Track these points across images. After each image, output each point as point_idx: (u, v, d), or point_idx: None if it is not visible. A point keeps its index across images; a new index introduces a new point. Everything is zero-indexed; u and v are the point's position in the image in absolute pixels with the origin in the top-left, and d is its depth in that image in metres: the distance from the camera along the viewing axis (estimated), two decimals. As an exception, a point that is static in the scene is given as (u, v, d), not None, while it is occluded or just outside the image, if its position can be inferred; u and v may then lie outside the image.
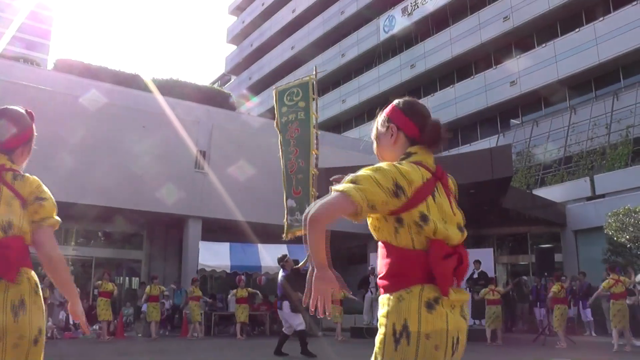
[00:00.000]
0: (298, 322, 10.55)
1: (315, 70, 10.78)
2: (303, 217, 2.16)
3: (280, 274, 11.15)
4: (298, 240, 11.57)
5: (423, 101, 30.55)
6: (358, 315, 18.74)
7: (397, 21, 39.04)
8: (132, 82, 24.23)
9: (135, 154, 18.73)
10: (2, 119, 2.66)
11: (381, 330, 2.02)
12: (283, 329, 10.85)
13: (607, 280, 12.41)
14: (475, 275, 16.38)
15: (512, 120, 32.32)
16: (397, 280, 2.03)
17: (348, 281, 19.34)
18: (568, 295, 14.66)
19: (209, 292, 20.15)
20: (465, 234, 2.18)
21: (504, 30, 31.88)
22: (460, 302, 2.09)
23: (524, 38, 31.63)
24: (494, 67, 32.78)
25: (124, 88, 22.34)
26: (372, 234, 2.18)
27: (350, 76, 43.16)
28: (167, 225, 22.26)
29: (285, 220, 10.26)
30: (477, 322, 16.17)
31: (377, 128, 2.38)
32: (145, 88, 23.51)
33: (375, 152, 2.40)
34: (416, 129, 2.25)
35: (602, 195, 20.64)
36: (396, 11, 39.23)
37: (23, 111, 2.75)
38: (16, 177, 2.54)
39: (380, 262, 2.13)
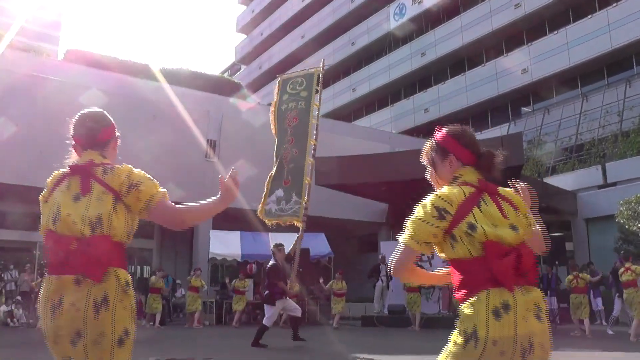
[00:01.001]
0: (267, 314, 10.41)
1: (323, 63, 10.67)
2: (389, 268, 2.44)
3: (270, 262, 10.95)
4: (309, 229, 11.58)
5: (434, 89, 30.77)
6: (369, 303, 18.77)
7: (408, 9, 38.82)
8: (142, 72, 24.24)
9: (145, 144, 18.77)
10: (85, 119, 2.72)
11: (453, 336, 2.20)
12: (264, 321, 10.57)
13: (622, 269, 12.38)
14: None
15: (523, 108, 32.15)
16: (466, 290, 2.23)
17: (359, 270, 19.42)
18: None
19: (220, 280, 20.24)
20: (523, 232, 2.32)
21: (515, 18, 31.64)
22: (534, 302, 2.19)
23: (536, 25, 31.38)
24: (505, 54, 32.58)
25: (134, 78, 22.35)
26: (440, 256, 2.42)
27: (361, 65, 43.02)
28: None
29: (262, 204, 10.20)
30: None
31: (431, 155, 2.55)
32: (155, 78, 23.52)
33: (430, 177, 2.59)
34: (473, 157, 2.47)
35: (614, 184, 20.52)
36: (406, -1, 39.03)
37: (99, 110, 2.81)
38: (106, 170, 2.53)
39: (453, 279, 2.35)
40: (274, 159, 10.42)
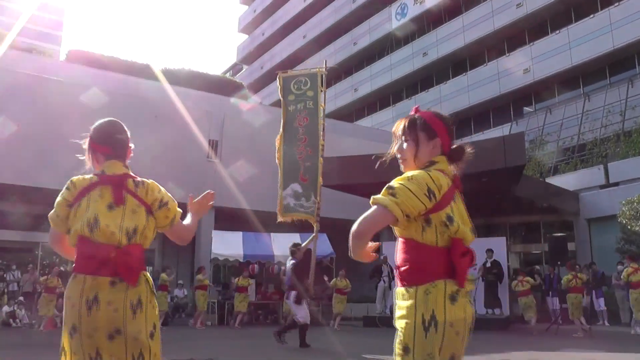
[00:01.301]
0: (300, 314, 10.39)
1: (325, 64, 10.68)
2: (351, 235, 2.30)
3: (289, 261, 10.95)
4: (309, 228, 11.56)
5: (435, 89, 30.72)
6: (371, 304, 18.75)
7: (409, 9, 38.80)
8: (143, 72, 24.27)
9: (147, 144, 18.75)
10: (113, 129, 2.82)
11: (409, 321, 2.22)
12: (296, 320, 10.61)
13: (626, 269, 12.36)
14: (488, 264, 16.34)
15: (525, 108, 32.11)
16: (422, 275, 2.25)
17: (360, 270, 19.44)
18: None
19: (222, 281, 20.24)
20: (475, 236, 2.40)
21: (517, 17, 31.62)
22: (470, 292, 2.36)
23: (538, 25, 31.36)
24: (507, 54, 32.55)
25: (135, 78, 22.38)
26: (395, 230, 2.38)
27: (362, 64, 43.01)
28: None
29: (279, 200, 10.19)
30: (489, 311, 16.15)
31: (417, 133, 2.46)
32: (156, 78, 23.54)
33: (402, 153, 2.52)
34: (449, 147, 2.46)
35: (616, 183, 20.47)
36: (408, -1, 39.00)
37: (115, 119, 2.89)
38: (137, 184, 2.73)
39: (402, 255, 2.33)
40: (278, 156, 10.37)
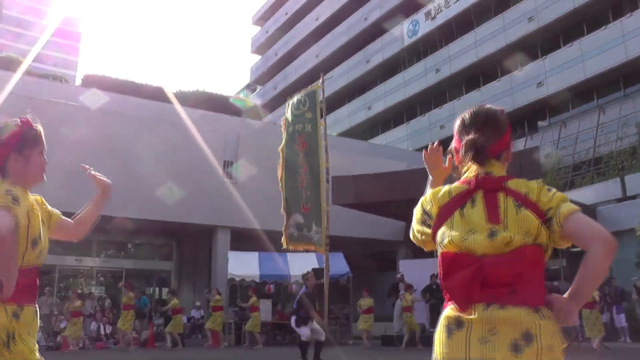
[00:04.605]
0: (303, 333, 10.66)
1: (322, 78, 10.43)
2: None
3: (302, 290, 11.22)
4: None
5: (449, 105, 30.64)
6: (388, 323, 18.62)
7: (421, 26, 38.92)
8: (157, 95, 24.50)
9: (164, 166, 18.90)
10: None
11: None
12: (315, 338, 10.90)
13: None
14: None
15: (539, 122, 31.97)
16: (445, 303, 2.00)
17: (377, 289, 19.31)
18: (600, 300, 14.25)
19: (239, 302, 20.24)
20: (502, 237, 1.90)
21: (529, 31, 31.58)
22: (508, 323, 1.78)
23: (550, 38, 31.29)
24: (520, 68, 32.49)
25: (151, 101, 22.61)
26: None
27: (376, 82, 43.09)
28: (196, 235, 22.41)
29: (284, 229, 10.13)
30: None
31: (508, 136, 2.28)
32: (170, 100, 23.76)
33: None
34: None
35: (634, 197, 20.26)
36: (420, 16, 39.13)
37: None
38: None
39: None
40: (281, 186, 10.27)
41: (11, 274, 2.18)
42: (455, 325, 1.85)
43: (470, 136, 2.13)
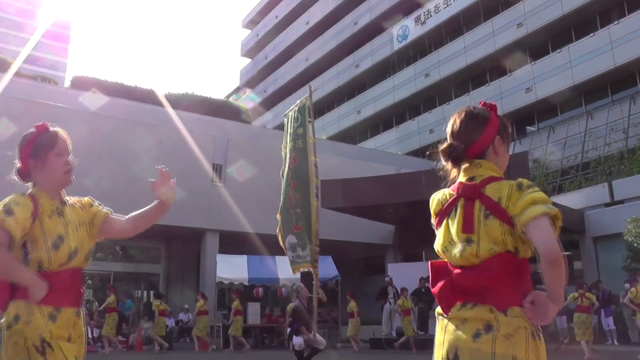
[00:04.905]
0: (296, 342, 10.68)
1: (310, 90, 10.27)
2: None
3: (293, 303, 11.26)
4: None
5: (438, 110, 30.72)
6: (377, 326, 18.65)
7: (411, 30, 39.05)
8: (147, 97, 24.41)
9: (151, 169, 18.80)
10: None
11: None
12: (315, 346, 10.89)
13: (630, 290, 12.24)
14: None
15: (528, 127, 32.13)
16: None
17: (366, 292, 19.32)
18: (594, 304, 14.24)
19: (227, 305, 20.18)
20: (470, 251, 2.02)
21: (518, 37, 31.76)
22: (471, 318, 1.99)
23: (539, 44, 31.49)
24: (509, 74, 32.66)
25: (140, 104, 22.52)
26: None
27: (365, 87, 43.17)
28: (184, 238, 22.34)
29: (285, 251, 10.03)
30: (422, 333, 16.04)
31: (496, 135, 2.23)
32: (160, 103, 23.68)
33: (492, 162, 2.21)
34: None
35: (621, 201, 20.40)
36: (409, 20, 39.26)
37: None
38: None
39: None
40: (280, 209, 10.12)
41: (22, 279, 2.25)
42: (440, 317, 2.10)
43: (444, 145, 2.18)
